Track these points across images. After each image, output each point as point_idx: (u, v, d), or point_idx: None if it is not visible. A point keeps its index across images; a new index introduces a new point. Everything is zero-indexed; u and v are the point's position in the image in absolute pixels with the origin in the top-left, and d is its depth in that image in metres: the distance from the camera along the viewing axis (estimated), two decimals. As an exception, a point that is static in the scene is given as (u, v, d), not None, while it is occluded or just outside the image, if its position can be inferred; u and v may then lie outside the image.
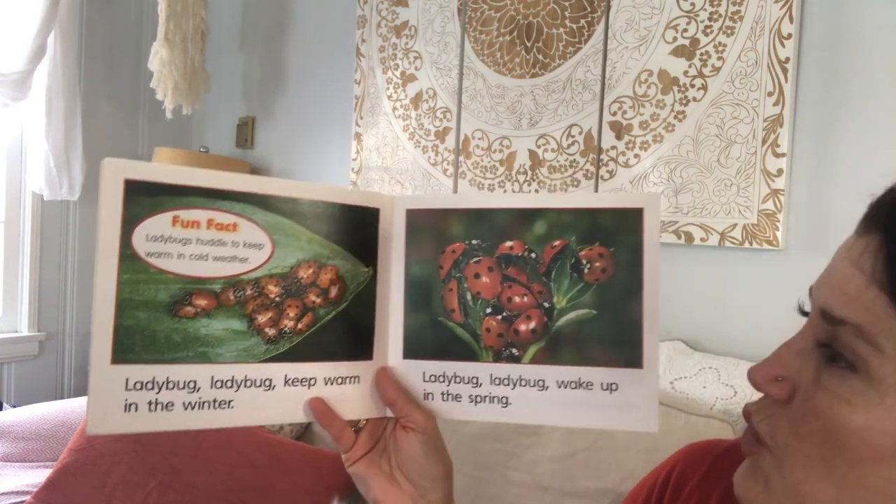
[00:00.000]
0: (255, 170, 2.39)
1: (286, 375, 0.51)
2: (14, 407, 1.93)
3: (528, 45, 1.69)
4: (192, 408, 0.48)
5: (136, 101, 2.57)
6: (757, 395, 0.45)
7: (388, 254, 0.55)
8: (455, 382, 0.54)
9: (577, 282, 0.52)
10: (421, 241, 0.55)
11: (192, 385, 0.48)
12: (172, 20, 2.10)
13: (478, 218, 0.54)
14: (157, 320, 0.47)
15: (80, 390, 2.39)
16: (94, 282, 0.45)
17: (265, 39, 2.39)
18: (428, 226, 0.55)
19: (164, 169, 0.47)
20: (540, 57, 1.67)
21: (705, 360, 1.29)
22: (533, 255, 0.53)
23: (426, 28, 1.90)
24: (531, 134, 1.68)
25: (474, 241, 0.54)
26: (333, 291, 0.53)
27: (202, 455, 1.40)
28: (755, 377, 0.42)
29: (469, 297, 0.54)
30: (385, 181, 1.99)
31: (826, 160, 1.28)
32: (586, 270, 0.52)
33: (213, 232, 0.48)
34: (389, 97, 1.99)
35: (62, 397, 2.34)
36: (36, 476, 1.48)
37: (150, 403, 0.47)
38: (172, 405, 0.47)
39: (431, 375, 0.54)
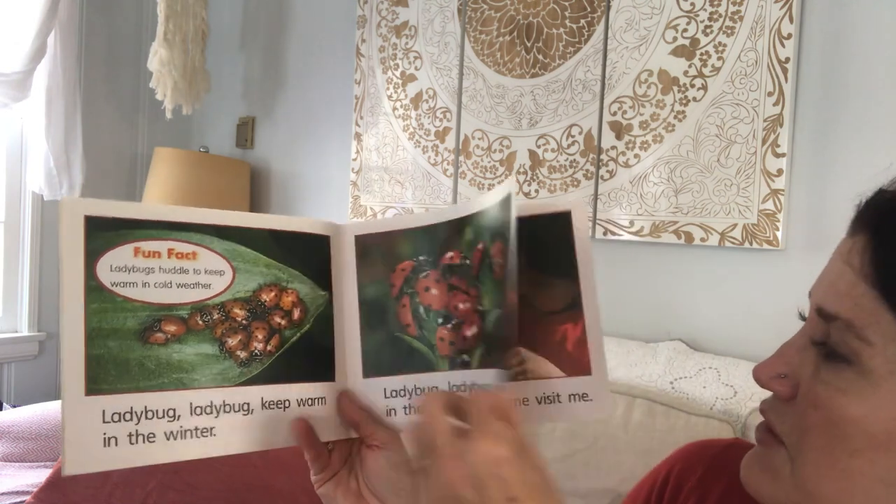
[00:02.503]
0: (254, 170, 2.39)
1: (262, 398, 0.51)
2: (14, 407, 1.93)
3: (528, 45, 1.69)
4: (174, 437, 0.47)
5: (136, 101, 2.57)
6: (760, 393, 0.45)
7: (342, 278, 0.56)
8: (416, 394, 0.54)
9: (494, 282, 0.52)
10: (372, 263, 0.56)
11: (171, 413, 0.47)
12: (172, 20, 2.10)
13: (422, 235, 0.56)
14: (128, 348, 0.47)
15: (80, 390, 2.39)
16: (60, 315, 0.45)
17: (265, 39, 2.39)
18: (377, 248, 0.56)
19: (122, 205, 0.48)
20: (540, 57, 1.67)
21: (705, 360, 1.29)
22: (467, 261, 0.54)
23: (426, 28, 1.90)
24: (531, 134, 1.68)
25: (421, 258, 0.55)
26: (296, 314, 0.53)
27: (202, 455, 1.40)
28: (759, 375, 0.43)
29: (422, 310, 0.55)
30: (385, 181, 1.99)
31: (826, 160, 1.28)
32: (495, 268, 0.52)
33: (174, 261, 0.49)
34: (389, 97, 1.99)
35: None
36: (36, 476, 1.48)
37: (129, 436, 0.46)
38: (154, 436, 0.46)
39: (392, 391, 0.55)
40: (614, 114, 1.54)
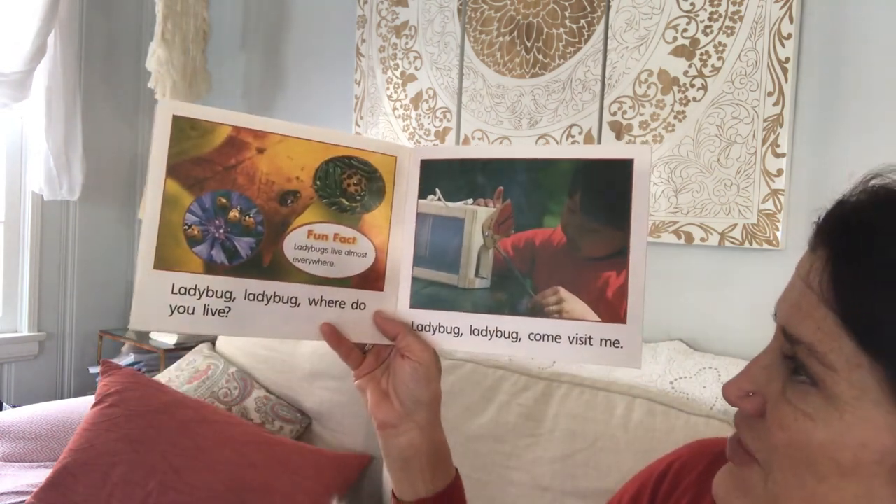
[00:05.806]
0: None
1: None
2: (14, 407, 1.93)
3: (528, 45, 1.69)
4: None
5: (136, 101, 2.57)
6: None
7: (403, 202, 0.58)
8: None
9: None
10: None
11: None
12: (171, 20, 2.10)
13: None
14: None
15: (80, 390, 2.39)
16: None
17: (265, 39, 2.39)
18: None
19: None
20: (540, 57, 1.67)
21: (705, 360, 1.29)
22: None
23: (426, 28, 1.90)
24: (531, 134, 1.68)
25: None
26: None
27: (202, 455, 1.40)
28: (727, 394, 0.43)
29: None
30: (385, 181, 1.99)
31: (826, 160, 1.28)
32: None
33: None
34: (389, 97, 1.99)
35: (62, 397, 2.34)
36: (36, 476, 1.48)
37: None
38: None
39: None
40: (614, 114, 1.54)
